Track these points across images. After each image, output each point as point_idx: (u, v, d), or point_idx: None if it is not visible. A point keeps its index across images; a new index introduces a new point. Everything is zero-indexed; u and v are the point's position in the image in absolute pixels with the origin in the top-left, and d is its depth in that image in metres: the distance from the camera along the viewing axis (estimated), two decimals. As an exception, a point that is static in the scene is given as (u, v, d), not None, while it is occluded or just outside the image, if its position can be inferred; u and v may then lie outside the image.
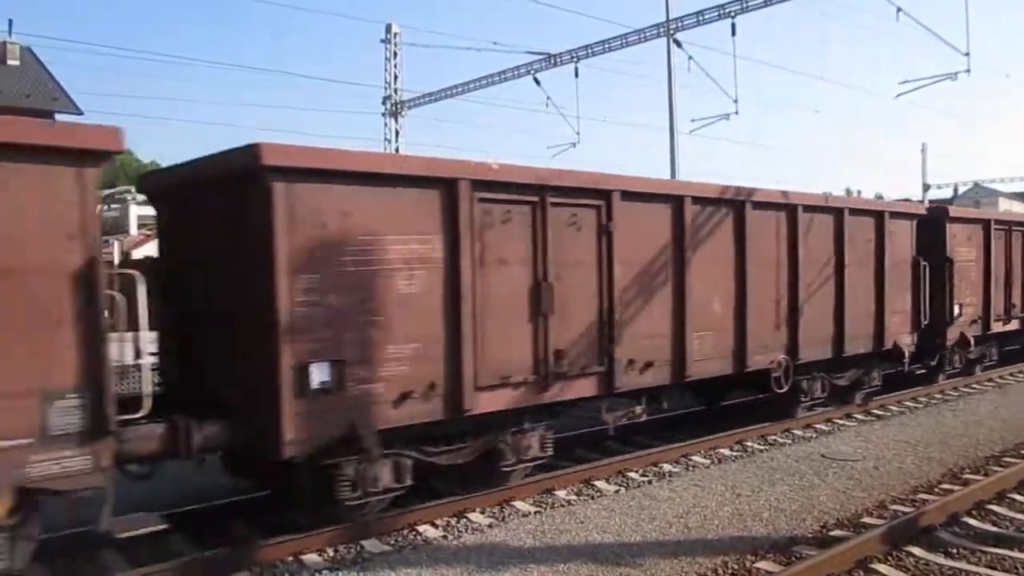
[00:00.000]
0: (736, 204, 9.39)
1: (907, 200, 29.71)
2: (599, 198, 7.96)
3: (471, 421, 7.27)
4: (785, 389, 10.06)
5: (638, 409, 8.73)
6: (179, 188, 6.96)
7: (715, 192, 9.19)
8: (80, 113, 32.40)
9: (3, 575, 5.24)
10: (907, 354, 11.86)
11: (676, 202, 8.70)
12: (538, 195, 7.47)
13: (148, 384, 5.47)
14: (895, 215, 11.79)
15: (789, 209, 10.06)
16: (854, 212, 11.02)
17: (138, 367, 5.48)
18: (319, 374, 6.18)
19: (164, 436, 5.79)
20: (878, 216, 11.44)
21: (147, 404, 5.47)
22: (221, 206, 6.40)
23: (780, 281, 9.99)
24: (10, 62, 34.34)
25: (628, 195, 8.18)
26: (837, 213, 10.75)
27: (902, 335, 11.92)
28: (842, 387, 11.46)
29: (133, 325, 5.42)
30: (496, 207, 7.20)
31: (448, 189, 6.85)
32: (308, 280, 6.13)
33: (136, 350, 5.50)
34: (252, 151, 5.87)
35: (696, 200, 8.87)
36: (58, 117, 28.86)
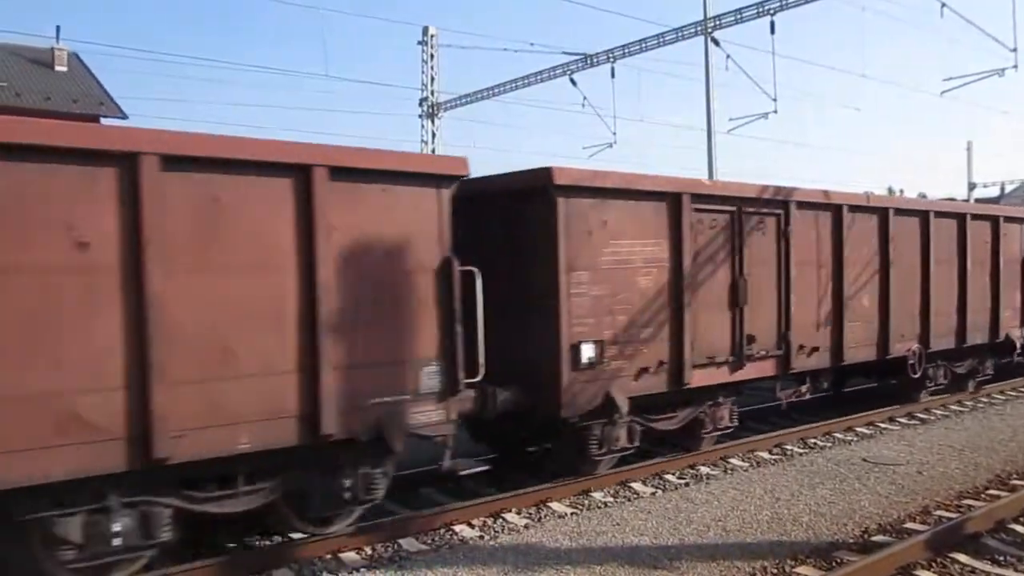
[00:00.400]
0: (881, 211, 11.06)
1: (951, 199, 30.42)
2: (780, 207, 9.69)
3: (683, 394, 9.00)
4: (919, 374, 11.68)
5: (803, 388, 10.42)
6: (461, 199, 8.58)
7: (864, 200, 10.89)
8: (125, 117, 32.88)
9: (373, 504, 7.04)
10: (1018, 346, 13.42)
11: (836, 210, 10.41)
12: (736, 206, 9.23)
13: (482, 355, 7.22)
14: (1009, 219, 13.45)
15: (922, 214, 11.75)
16: (975, 217, 12.73)
17: (476, 342, 7.21)
18: (587, 352, 7.96)
19: (477, 399, 7.56)
20: (994, 220, 13.11)
21: (481, 371, 7.23)
22: (509, 215, 8.13)
23: (915, 277, 11.63)
24: (58, 68, 36.23)
25: (801, 204, 9.93)
26: (960, 218, 12.45)
27: (1013, 328, 13.52)
28: (959, 375, 13.05)
29: (473, 309, 7.18)
30: (706, 216, 8.96)
31: (674, 202, 8.62)
32: (578, 275, 7.92)
33: (475, 329, 7.24)
34: (545, 173, 7.68)
35: (851, 208, 10.57)
36: (103, 121, 30.40)
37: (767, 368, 9.73)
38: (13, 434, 5.14)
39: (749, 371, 9.48)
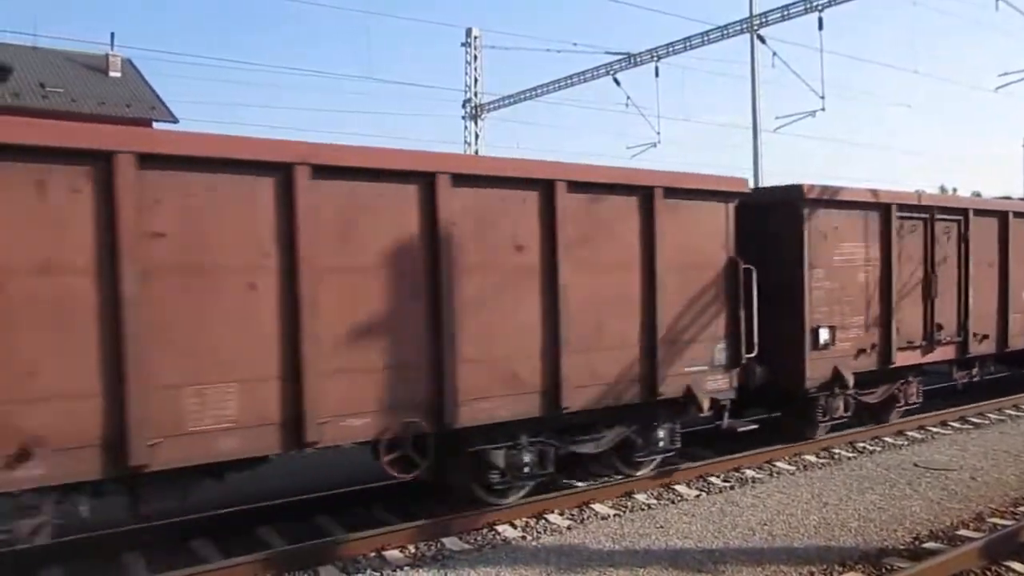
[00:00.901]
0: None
1: (1007, 198, 32.04)
2: (960, 214, 12.11)
3: (885, 373, 11.40)
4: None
5: (974, 371, 12.80)
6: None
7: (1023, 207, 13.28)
8: (175, 121, 35.89)
9: (665, 451, 9.46)
10: None
11: (1003, 216, 12.83)
12: (929, 213, 11.65)
13: (756, 336, 9.65)
14: None
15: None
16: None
17: (752, 326, 9.63)
18: (823, 335, 10.40)
19: (741, 372, 9.97)
20: None
21: (755, 349, 9.66)
22: (764, 221, 10.48)
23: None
24: (112, 74, 39.09)
25: (977, 212, 12.38)
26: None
27: None
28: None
29: (749, 299, 9.61)
30: (907, 222, 11.39)
31: (886, 211, 11.04)
32: (816, 272, 10.35)
33: (751, 315, 9.66)
34: (797, 189, 10.14)
35: (1016, 215, 12.97)
36: (155, 125, 33.08)
37: (949, 352, 12.14)
38: (481, 386, 7.65)
39: (936, 354, 11.90)
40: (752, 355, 9.64)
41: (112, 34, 41.43)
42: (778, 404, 11.12)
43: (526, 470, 8.23)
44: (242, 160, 6.42)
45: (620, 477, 9.26)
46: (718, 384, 9.45)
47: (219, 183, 6.34)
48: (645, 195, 8.72)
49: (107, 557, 7.13)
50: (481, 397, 7.65)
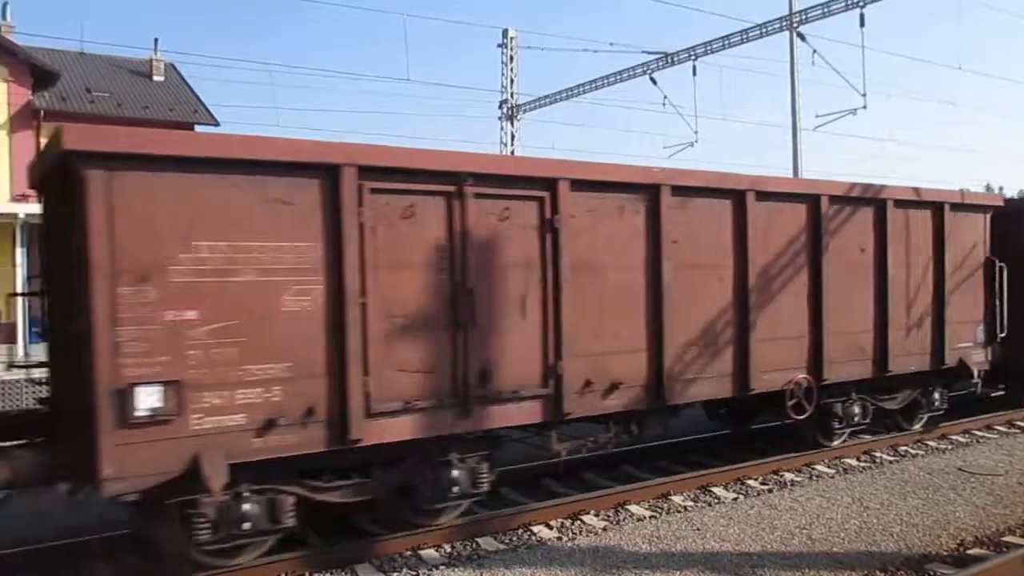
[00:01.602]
0: None
1: None
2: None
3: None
4: None
5: None
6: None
7: None
8: (216, 124, 38.57)
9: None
10: None
11: None
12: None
13: (1005, 320, 13.18)
14: None
15: None
16: None
17: (1002, 312, 13.16)
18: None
19: (992, 350, 13.43)
20: None
21: (1004, 331, 13.17)
22: (1007, 225, 13.58)
23: None
24: (156, 78, 42.30)
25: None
26: None
27: None
28: None
29: (1001, 290, 13.15)
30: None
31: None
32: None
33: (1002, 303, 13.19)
34: (1018, 202, 13.76)
35: None
36: (197, 128, 35.87)
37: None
38: (841, 354, 11.13)
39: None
40: (1004, 335, 13.20)
41: (156, 39, 44.09)
42: (1001, 378, 14.62)
43: (855, 419, 11.74)
44: (716, 188, 9.93)
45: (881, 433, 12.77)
46: (979, 358, 13.03)
47: (705, 205, 9.85)
48: (937, 208, 12.32)
49: (149, 551, 7.53)
50: (838, 361, 11.14)
